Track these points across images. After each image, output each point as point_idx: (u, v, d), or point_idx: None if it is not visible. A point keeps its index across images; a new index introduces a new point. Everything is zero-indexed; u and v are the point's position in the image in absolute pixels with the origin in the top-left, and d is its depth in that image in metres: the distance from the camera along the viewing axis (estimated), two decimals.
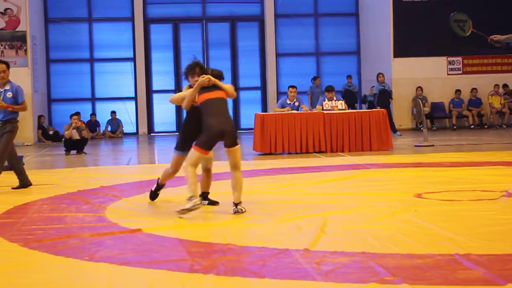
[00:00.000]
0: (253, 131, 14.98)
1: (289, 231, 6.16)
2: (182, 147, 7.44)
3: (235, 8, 23.95)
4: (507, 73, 22.40)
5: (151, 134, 23.40)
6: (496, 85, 22.04)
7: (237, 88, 23.91)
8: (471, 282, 4.29)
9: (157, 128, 23.76)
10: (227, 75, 23.80)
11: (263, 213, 7.06)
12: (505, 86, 22.16)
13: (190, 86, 7.41)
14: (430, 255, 4.97)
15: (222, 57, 23.81)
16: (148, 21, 23.54)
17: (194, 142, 7.08)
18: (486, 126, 21.75)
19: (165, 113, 23.81)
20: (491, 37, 22.17)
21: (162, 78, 23.80)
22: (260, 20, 23.98)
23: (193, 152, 7.08)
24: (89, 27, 23.43)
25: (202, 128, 7.05)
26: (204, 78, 7.13)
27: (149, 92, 23.61)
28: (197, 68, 7.31)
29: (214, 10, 23.89)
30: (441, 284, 4.29)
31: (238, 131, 23.59)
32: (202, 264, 4.94)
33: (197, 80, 7.20)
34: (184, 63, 23.58)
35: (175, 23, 23.75)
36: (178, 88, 23.71)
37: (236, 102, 23.82)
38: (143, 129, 23.36)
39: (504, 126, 21.54)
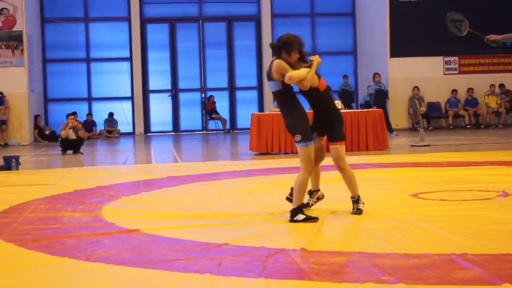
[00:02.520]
0: (249, 131, 14.97)
1: (286, 230, 6.17)
2: (311, 135, 6.36)
3: (231, 8, 23.94)
4: (503, 73, 22.43)
5: (148, 134, 23.39)
6: (492, 85, 22.07)
7: (233, 88, 23.96)
8: (467, 282, 4.29)
9: (153, 128, 23.75)
10: (224, 75, 23.83)
11: (260, 213, 7.07)
12: (501, 86, 22.18)
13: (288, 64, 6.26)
14: (426, 255, 4.97)
15: (218, 57, 23.83)
16: (144, 21, 23.52)
17: (336, 139, 6.58)
18: (482, 126, 21.77)
19: (161, 113, 23.81)
20: (487, 37, 22.18)
21: (159, 78, 23.79)
22: (256, 20, 23.98)
23: (342, 149, 6.65)
24: (86, 27, 23.41)
25: (334, 119, 6.58)
26: (320, 60, 6.37)
27: (146, 92, 23.60)
28: (302, 43, 6.25)
29: (210, 10, 23.89)
30: (437, 284, 4.29)
31: (234, 131, 23.64)
32: (199, 264, 4.93)
33: (298, 58, 6.24)
34: (181, 63, 23.86)
35: (171, 23, 23.74)
36: (174, 88, 23.72)
37: (232, 102, 23.82)
38: (140, 129, 23.35)
39: (501, 126, 21.57)
